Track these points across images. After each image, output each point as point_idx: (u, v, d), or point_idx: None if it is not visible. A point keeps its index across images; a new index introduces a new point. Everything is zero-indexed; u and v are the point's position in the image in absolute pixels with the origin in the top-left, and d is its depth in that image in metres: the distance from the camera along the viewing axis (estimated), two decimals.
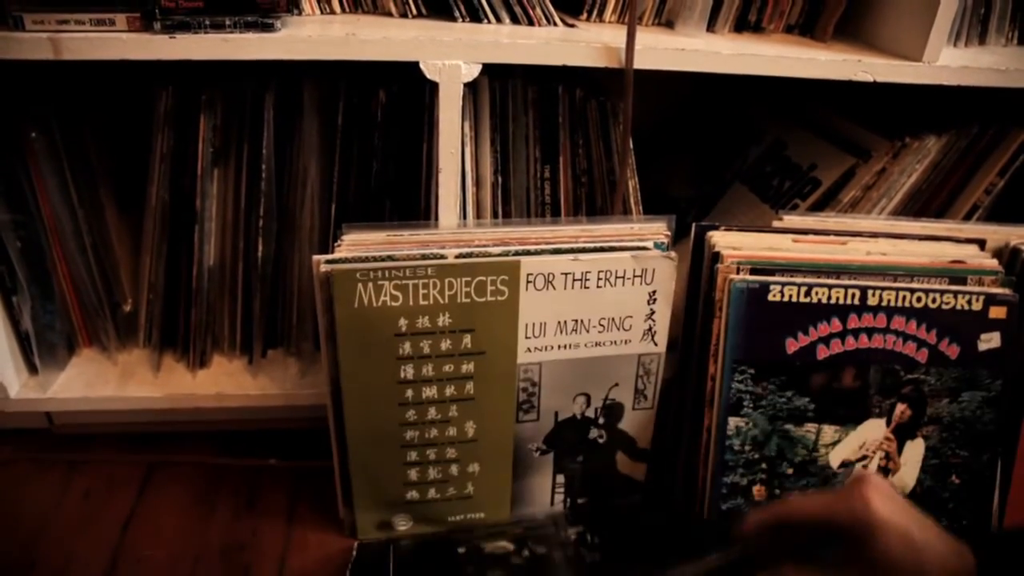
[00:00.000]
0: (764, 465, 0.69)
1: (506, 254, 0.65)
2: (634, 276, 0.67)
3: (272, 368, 0.81)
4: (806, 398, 0.67)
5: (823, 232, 0.71)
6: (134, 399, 0.78)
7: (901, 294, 0.66)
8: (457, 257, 0.64)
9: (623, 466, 0.76)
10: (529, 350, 0.68)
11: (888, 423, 0.69)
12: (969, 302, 0.66)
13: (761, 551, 0.54)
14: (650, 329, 0.70)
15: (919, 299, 0.66)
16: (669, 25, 0.76)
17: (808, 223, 0.72)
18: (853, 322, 0.66)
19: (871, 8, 0.76)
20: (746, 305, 0.65)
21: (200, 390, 0.78)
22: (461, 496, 0.73)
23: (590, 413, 0.72)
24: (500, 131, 0.74)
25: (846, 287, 0.65)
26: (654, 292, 0.68)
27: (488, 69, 0.67)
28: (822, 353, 0.67)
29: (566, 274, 0.65)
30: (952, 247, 0.70)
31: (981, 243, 0.71)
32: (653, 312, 0.69)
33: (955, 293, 0.66)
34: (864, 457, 0.69)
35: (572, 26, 0.72)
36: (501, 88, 0.74)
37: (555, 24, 0.71)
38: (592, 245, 0.67)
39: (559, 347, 0.68)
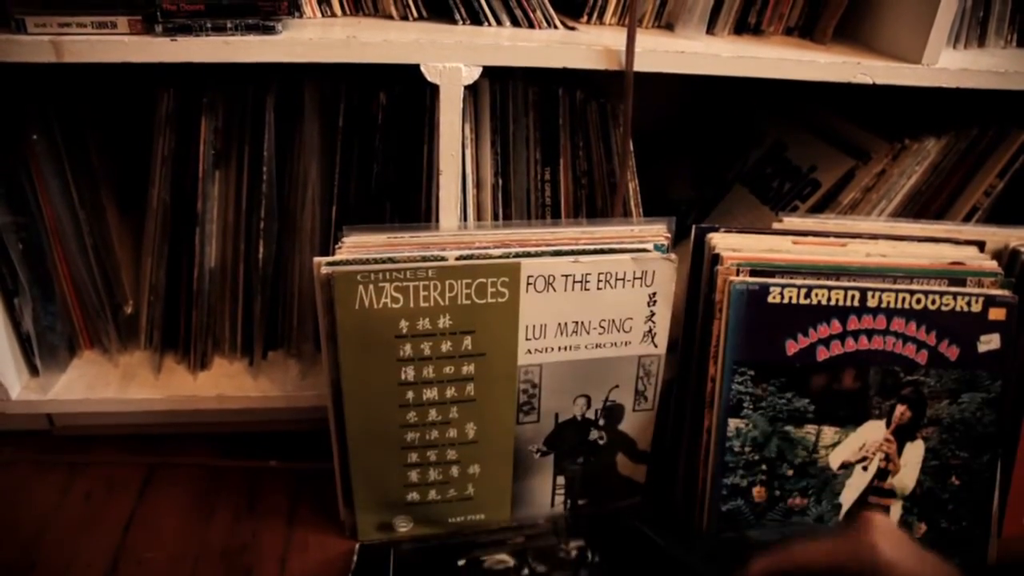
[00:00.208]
0: (764, 466, 0.69)
1: (507, 256, 0.65)
2: (634, 278, 0.67)
3: (273, 370, 0.82)
4: (806, 399, 0.67)
5: (823, 234, 0.71)
6: (135, 401, 0.78)
7: (901, 296, 0.66)
8: (458, 259, 0.64)
9: (623, 468, 0.76)
10: (529, 352, 0.68)
11: (888, 424, 0.69)
12: (969, 304, 0.66)
13: None
14: (650, 331, 0.70)
15: (919, 301, 0.66)
16: (669, 27, 0.76)
17: (808, 225, 0.72)
18: (853, 324, 0.66)
19: (870, 10, 0.76)
20: (746, 307, 0.66)
21: (201, 392, 0.78)
22: (461, 497, 0.73)
23: (590, 415, 0.72)
24: (500, 133, 0.74)
25: (846, 289, 0.66)
26: (654, 294, 0.68)
27: (488, 71, 0.67)
28: (822, 355, 0.67)
29: (566, 276, 0.66)
30: (951, 249, 0.70)
31: (980, 245, 0.71)
32: (653, 314, 0.69)
33: (955, 295, 0.66)
34: (864, 458, 0.69)
35: (572, 29, 0.72)
36: (502, 90, 0.74)
37: (555, 27, 0.71)
38: (592, 247, 0.67)
39: (559, 349, 0.69)
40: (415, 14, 0.72)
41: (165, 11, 0.60)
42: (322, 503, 0.76)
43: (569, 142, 0.76)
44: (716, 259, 0.68)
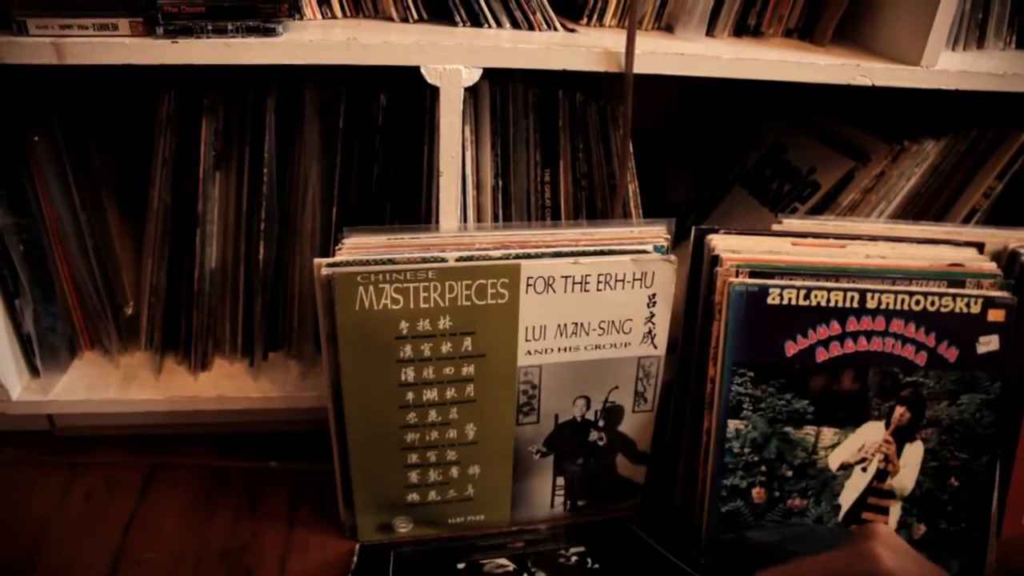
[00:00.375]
0: (763, 467, 0.69)
1: (506, 257, 0.65)
2: (634, 279, 0.67)
3: (273, 371, 0.82)
4: (805, 401, 0.67)
5: (822, 235, 0.71)
6: (136, 402, 0.78)
7: (900, 297, 0.66)
8: (458, 260, 0.64)
9: (623, 468, 0.76)
10: (529, 353, 0.68)
11: (887, 426, 0.69)
12: (968, 305, 0.66)
13: None
14: (650, 332, 0.70)
15: (918, 302, 0.66)
16: (669, 29, 0.77)
17: (807, 226, 0.72)
18: (852, 325, 0.66)
19: (870, 12, 0.77)
20: (745, 308, 0.66)
21: (201, 393, 0.79)
22: (461, 498, 0.73)
23: (590, 416, 0.73)
24: (500, 135, 0.75)
25: (845, 290, 0.66)
26: (654, 295, 0.68)
27: (488, 73, 0.67)
28: (821, 356, 0.67)
29: (566, 277, 0.66)
30: (951, 250, 0.71)
31: (980, 246, 0.71)
32: (653, 315, 0.69)
33: (954, 296, 0.66)
34: (863, 460, 0.69)
35: (572, 31, 0.72)
36: (501, 92, 0.74)
37: (555, 29, 0.71)
38: (592, 248, 0.67)
39: (559, 350, 0.69)
40: (415, 16, 0.72)
41: (166, 13, 0.61)
42: (322, 504, 0.76)
43: (569, 144, 0.77)
44: (715, 260, 0.68)
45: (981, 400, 0.68)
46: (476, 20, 0.70)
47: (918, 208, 0.82)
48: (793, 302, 0.66)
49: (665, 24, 0.77)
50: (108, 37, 0.61)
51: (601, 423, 0.73)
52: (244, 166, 0.75)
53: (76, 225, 0.76)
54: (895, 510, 0.70)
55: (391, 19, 0.72)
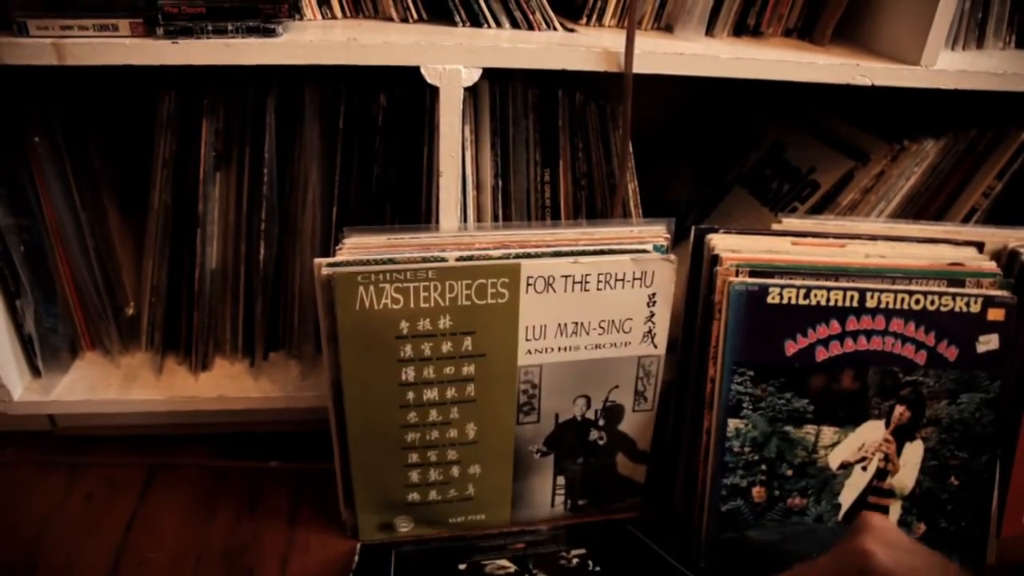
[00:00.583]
0: (764, 466, 0.69)
1: (507, 257, 0.65)
2: (634, 279, 0.67)
3: (273, 371, 0.82)
4: (805, 400, 0.68)
5: (822, 235, 0.71)
6: (136, 402, 0.78)
7: (900, 296, 0.66)
8: (458, 260, 0.64)
9: (623, 468, 0.76)
10: (529, 352, 0.68)
11: (887, 425, 0.69)
12: (967, 304, 0.66)
13: None
14: (650, 331, 0.70)
15: (917, 301, 0.66)
16: (668, 29, 0.77)
17: (807, 226, 0.72)
18: (852, 324, 0.66)
19: (869, 12, 0.77)
20: (745, 307, 0.66)
21: (202, 393, 0.79)
22: (462, 498, 0.73)
23: (590, 415, 0.73)
24: (500, 135, 0.75)
25: (845, 289, 0.66)
26: (654, 295, 0.68)
27: (488, 73, 0.67)
28: (821, 355, 0.67)
29: (566, 277, 0.66)
30: (950, 249, 0.71)
31: (979, 245, 0.71)
32: (653, 315, 0.69)
33: (953, 295, 0.66)
34: (863, 459, 0.69)
35: (571, 30, 0.72)
36: (501, 92, 0.74)
37: (555, 29, 0.71)
38: (592, 248, 0.67)
39: (559, 349, 0.69)
40: (415, 16, 0.72)
41: (166, 14, 0.61)
42: (323, 503, 0.76)
43: (569, 144, 0.77)
44: (715, 260, 0.68)
45: (981, 399, 0.68)
46: (476, 20, 0.70)
47: (918, 207, 0.82)
48: (793, 301, 0.66)
49: (664, 24, 0.77)
50: (108, 38, 0.61)
51: (601, 422, 0.73)
52: (244, 166, 0.75)
53: (77, 225, 0.76)
54: (895, 509, 0.71)
55: (391, 19, 0.72)
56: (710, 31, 0.76)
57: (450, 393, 0.68)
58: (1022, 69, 0.72)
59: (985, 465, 0.70)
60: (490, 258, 0.65)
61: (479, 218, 0.75)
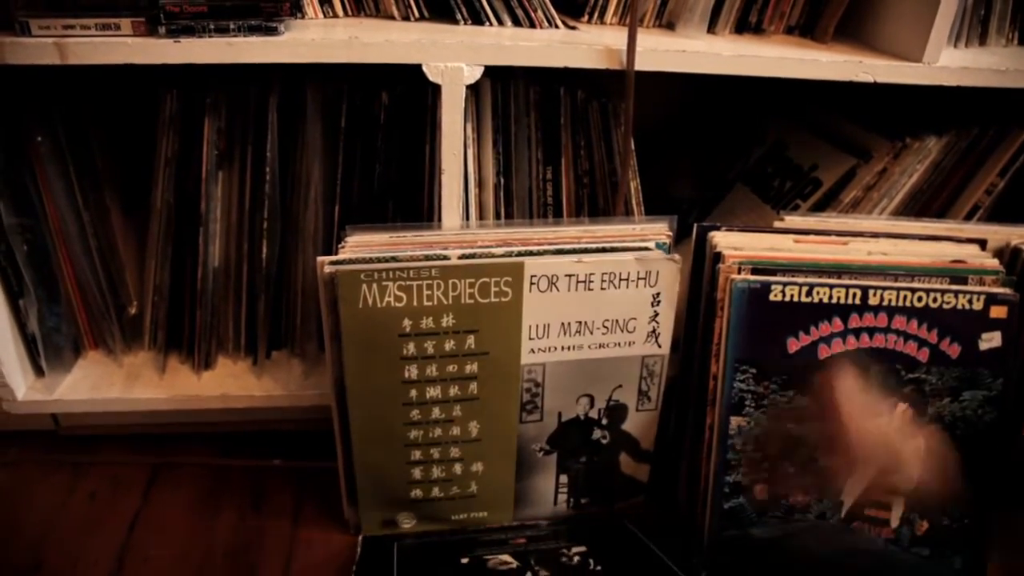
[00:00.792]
0: (766, 464, 0.69)
1: (509, 255, 0.65)
2: (638, 278, 0.67)
3: (276, 369, 0.82)
4: (807, 397, 0.68)
5: (824, 232, 0.71)
6: (140, 401, 0.78)
7: (902, 294, 0.66)
8: (460, 258, 0.64)
9: (626, 467, 0.76)
10: (533, 351, 0.68)
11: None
12: (970, 302, 0.66)
13: None
14: (654, 331, 0.70)
15: (920, 299, 0.66)
16: (670, 27, 0.77)
17: (809, 223, 0.72)
18: (854, 322, 0.66)
19: (871, 9, 0.77)
20: (747, 305, 0.66)
21: (205, 391, 0.79)
22: (464, 495, 0.73)
23: (593, 414, 0.73)
24: (502, 133, 0.75)
25: (847, 287, 0.66)
26: (658, 294, 0.68)
27: (490, 71, 0.67)
28: (823, 352, 0.67)
29: (570, 276, 0.66)
30: (953, 247, 0.71)
31: (982, 243, 0.71)
32: (657, 314, 0.69)
33: (956, 293, 0.66)
34: None
35: (573, 28, 0.72)
36: (503, 90, 0.74)
37: (556, 26, 0.71)
38: (594, 246, 0.67)
39: (562, 348, 0.69)
40: (416, 14, 0.72)
41: (168, 12, 0.61)
42: (326, 501, 0.77)
43: (571, 141, 0.77)
44: (718, 257, 0.68)
45: (983, 397, 0.68)
46: (477, 18, 0.70)
47: (920, 205, 0.82)
48: (795, 299, 0.66)
49: (666, 21, 0.77)
50: (110, 37, 0.61)
51: (604, 421, 0.73)
52: (247, 165, 0.75)
53: (79, 225, 0.76)
54: (898, 506, 0.71)
55: (392, 17, 0.72)
56: (712, 28, 0.76)
57: (453, 391, 0.68)
58: None
59: (988, 462, 0.70)
60: (492, 256, 0.65)
61: (481, 216, 0.75)
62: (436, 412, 0.69)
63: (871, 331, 0.67)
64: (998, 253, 0.71)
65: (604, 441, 0.74)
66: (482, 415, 0.70)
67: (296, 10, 0.69)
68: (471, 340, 0.67)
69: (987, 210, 0.81)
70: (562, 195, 0.77)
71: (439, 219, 0.70)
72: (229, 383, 0.80)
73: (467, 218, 0.72)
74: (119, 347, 0.82)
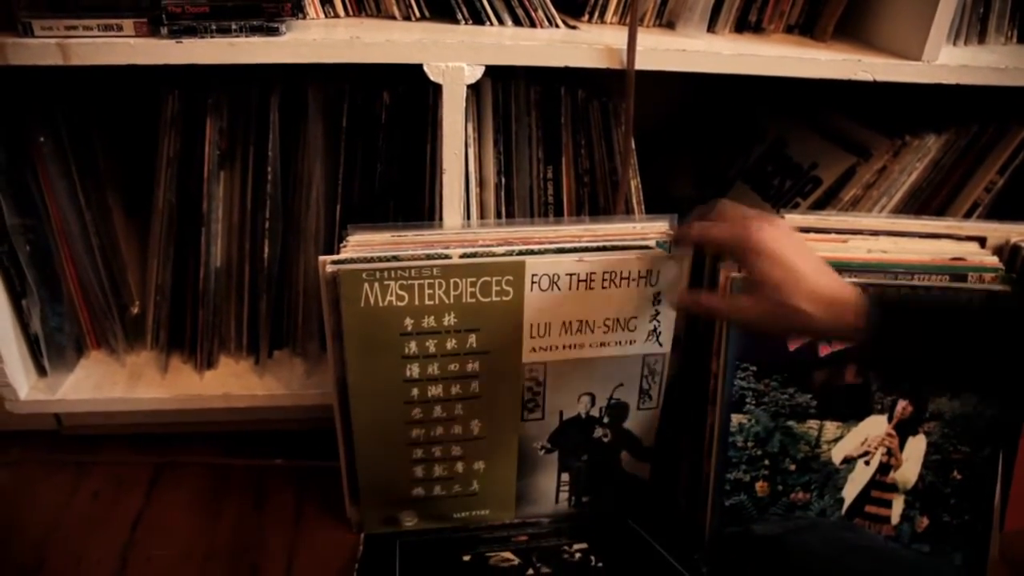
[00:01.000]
0: (767, 461, 0.69)
1: (510, 253, 0.65)
2: (639, 277, 0.67)
3: (278, 368, 0.82)
4: (808, 395, 0.68)
5: (824, 230, 0.71)
6: (142, 400, 0.78)
7: (902, 291, 0.66)
8: (461, 257, 0.65)
9: (628, 465, 0.76)
10: (534, 350, 0.68)
11: (890, 419, 0.69)
12: (970, 299, 0.66)
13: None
14: (655, 330, 0.70)
15: None
16: (670, 26, 0.77)
17: (809, 221, 0.72)
18: None
19: (871, 8, 0.77)
20: None
21: (207, 391, 0.79)
22: (466, 493, 0.74)
23: (595, 412, 0.73)
24: (503, 132, 0.75)
25: None
26: (659, 293, 0.68)
27: (491, 71, 0.67)
28: (823, 350, 0.67)
29: (571, 275, 0.66)
30: (952, 245, 0.71)
31: (981, 240, 0.71)
32: (658, 313, 0.69)
33: (955, 290, 0.66)
34: (866, 453, 0.70)
35: (574, 28, 0.73)
36: (504, 89, 0.74)
37: (557, 26, 0.71)
38: (595, 244, 0.67)
39: (564, 347, 0.69)
40: (417, 14, 0.72)
41: (170, 13, 0.61)
42: (328, 500, 0.77)
43: (571, 140, 0.77)
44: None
45: (983, 394, 0.68)
46: (478, 18, 0.70)
47: (920, 203, 0.82)
48: None
49: (666, 21, 0.77)
50: (113, 38, 0.61)
51: (606, 420, 0.73)
52: (248, 165, 0.75)
53: (82, 225, 0.76)
54: (898, 503, 0.71)
55: (394, 17, 0.73)
56: (712, 28, 0.76)
57: (454, 390, 0.68)
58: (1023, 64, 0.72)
59: (988, 459, 0.70)
60: (494, 255, 0.65)
61: (482, 215, 0.75)
62: (438, 410, 0.69)
63: None
64: (997, 250, 0.71)
65: (605, 439, 0.74)
66: (483, 413, 0.70)
67: (297, 10, 0.69)
68: (472, 339, 0.67)
69: (986, 208, 0.81)
70: (563, 194, 0.78)
71: (440, 218, 0.71)
72: (231, 382, 0.80)
73: (468, 217, 0.72)
74: (121, 347, 0.82)
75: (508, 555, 0.70)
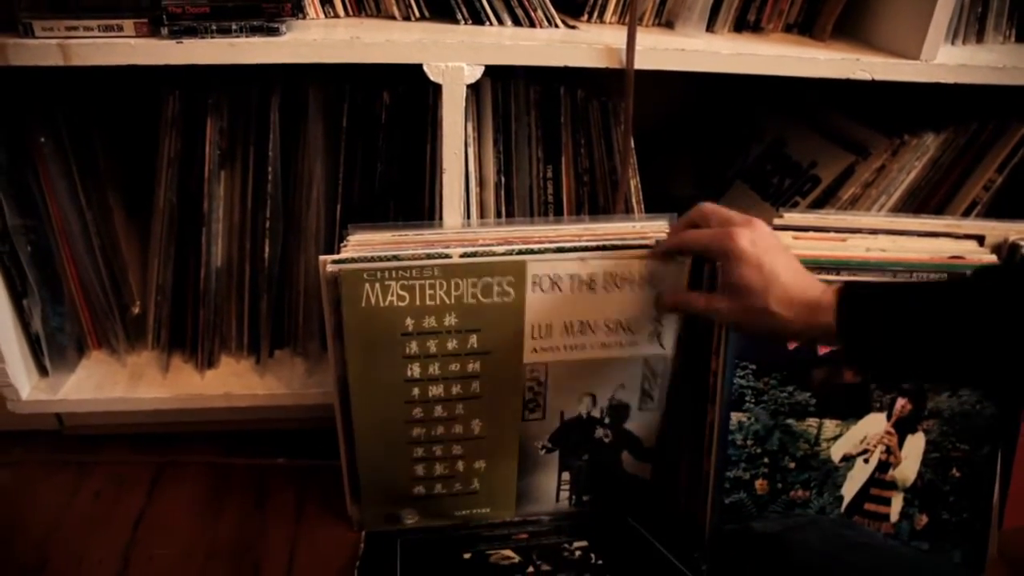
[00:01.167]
0: (766, 459, 0.69)
1: (510, 253, 0.65)
2: (641, 279, 0.67)
3: (279, 368, 0.82)
4: (807, 393, 0.68)
5: (823, 229, 0.71)
6: (143, 400, 0.78)
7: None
8: (462, 256, 0.65)
9: (628, 465, 0.76)
10: (535, 350, 0.68)
11: (889, 417, 0.70)
12: None
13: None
14: (657, 331, 0.70)
15: None
16: (669, 25, 0.77)
17: (808, 220, 0.72)
18: None
19: (869, 7, 0.77)
20: None
21: (208, 390, 0.79)
22: (467, 492, 0.74)
23: (596, 413, 0.73)
24: (503, 132, 0.75)
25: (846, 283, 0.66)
26: (661, 295, 0.68)
27: (490, 71, 0.67)
28: (823, 348, 0.67)
29: (572, 276, 0.66)
30: (951, 243, 0.71)
31: (980, 239, 0.71)
32: (660, 315, 0.69)
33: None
34: (865, 451, 0.70)
35: (573, 27, 0.73)
36: (504, 89, 0.74)
37: (556, 26, 0.71)
38: (595, 243, 0.67)
39: (565, 348, 0.69)
40: (417, 14, 0.72)
41: (170, 14, 0.61)
42: (329, 498, 0.77)
43: (571, 140, 0.77)
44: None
45: (982, 392, 0.68)
46: (478, 18, 0.71)
47: (918, 201, 0.82)
48: None
49: (665, 20, 0.77)
50: (113, 38, 0.61)
51: (607, 420, 0.73)
52: (249, 165, 0.76)
53: (83, 225, 0.76)
54: (897, 501, 0.71)
55: (393, 17, 0.73)
56: (711, 27, 0.76)
57: (455, 389, 0.69)
58: (1022, 63, 0.72)
59: (986, 457, 0.70)
60: (494, 254, 0.65)
61: (482, 214, 0.75)
62: (438, 410, 0.69)
63: None
64: (996, 249, 0.71)
65: (606, 440, 0.74)
66: (484, 413, 0.70)
67: (297, 10, 0.69)
68: (473, 339, 0.67)
69: (985, 206, 0.81)
70: (562, 193, 0.78)
71: (440, 218, 0.71)
72: (232, 382, 0.80)
73: (468, 217, 0.72)
74: (122, 347, 0.82)
75: (508, 553, 0.70)
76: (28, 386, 0.77)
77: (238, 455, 0.83)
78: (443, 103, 0.66)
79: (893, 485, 0.71)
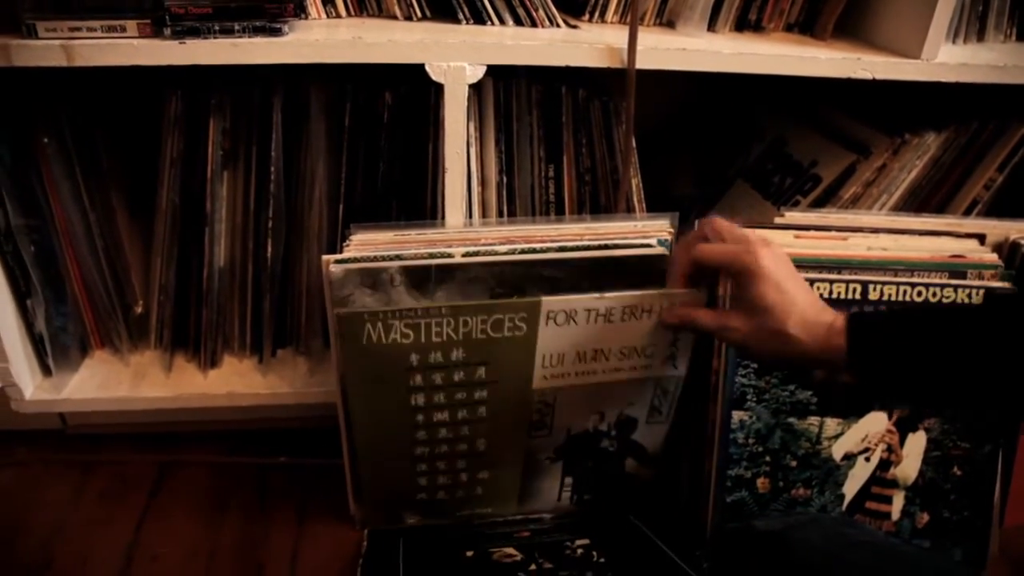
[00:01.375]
0: (768, 458, 0.69)
1: (512, 252, 0.65)
2: (661, 310, 0.64)
3: (282, 367, 0.82)
4: (808, 391, 0.68)
5: (824, 228, 0.71)
6: (146, 399, 0.78)
7: (902, 288, 0.67)
8: (464, 256, 0.64)
9: (632, 469, 0.75)
10: (545, 378, 0.66)
11: (890, 416, 0.70)
12: (969, 296, 0.67)
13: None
14: (672, 355, 0.68)
15: (920, 293, 0.67)
16: (670, 25, 0.77)
17: (809, 219, 0.73)
18: None
19: (870, 6, 0.77)
20: None
21: (211, 390, 0.79)
22: (470, 496, 0.73)
23: (603, 427, 0.72)
24: (505, 131, 0.75)
25: (847, 282, 0.66)
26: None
27: (492, 70, 0.68)
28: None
29: (589, 311, 0.63)
30: (952, 242, 0.71)
31: (981, 238, 0.72)
32: (677, 339, 0.67)
33: (955, 287, 0.67)
34: (866, 449, 0.70)
35: (574, 27, 0.73)
36: (505, 89, 0.74)
37: (558, 25, 0.72)
38: (596, 243, 0.67)
39: (576, 374, 0.66)
40: (419, 14, 0.72)
41: (173, 14, 0.61)
42: (332, 497, 0.77)
43: (572, 139, 0.77)
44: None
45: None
46: (479, 18, 0.71)
47: (919, 200, 0.82)
48: None
49: (667, 20, 0.77)
50: (116, 39, 0.62)
51: (613, 433, 0.72)
52: (251, 165, 0.76)
53: (86, 225, 0.77)
54: (898, 499, 0.71)
55: (395, 17, 0.73)
56: (712, 27, 0.76)
57: (461, 414, 0.67)
58: (1023, 62, 0.73)
59: (987, 455, 0.70)
60: (496, 254, 0.65)
61: (484, 214, 0.75)
62: (443, 432, 0.68)
63: None
64: (997, 248, 0.71)
65: (611, 449, 0.74)
66: (490, 434, 0.69)
67: (300, 11, 0.69)
68: (481, 371, 0.65)
69: (986, 205, 0.81)
70: (564, 193, 0.78)
71: (442, 217, 0.71)
72: (235, 381, 0.80)
73: (470, 216, 0.73)
74: (125, 346, 0.82)
75: (511, 551, 0.70)
76: (32, 386, 0.78)
77: (241, 454, 0.83)
78: (445, 103, 0.66)
79: (894, 483, 0.71)
